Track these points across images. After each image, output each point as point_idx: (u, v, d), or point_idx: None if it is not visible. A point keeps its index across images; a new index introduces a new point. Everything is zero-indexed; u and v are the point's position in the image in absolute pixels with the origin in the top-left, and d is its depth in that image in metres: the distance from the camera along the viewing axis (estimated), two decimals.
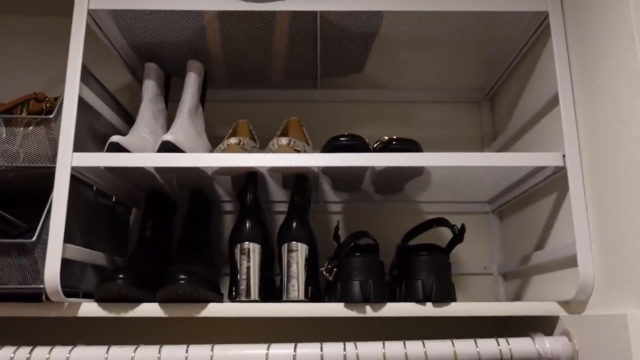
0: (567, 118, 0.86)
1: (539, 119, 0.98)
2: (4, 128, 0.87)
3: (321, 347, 0.77)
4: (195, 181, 1.00)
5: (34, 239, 0.80)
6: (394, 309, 0.84)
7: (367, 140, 0.92)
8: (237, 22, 0.97)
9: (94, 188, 0.97)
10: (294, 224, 0.90)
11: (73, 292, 0.87)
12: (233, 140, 0.90)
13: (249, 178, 0.94)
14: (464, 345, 0.78)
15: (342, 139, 0.89)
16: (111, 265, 1.01)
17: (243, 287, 0.87)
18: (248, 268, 0.88)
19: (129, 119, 1.11)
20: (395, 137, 0.91)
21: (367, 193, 1.13)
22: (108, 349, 0.76)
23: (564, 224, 0.89)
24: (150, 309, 0.83)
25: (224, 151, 0.90)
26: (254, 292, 0.87)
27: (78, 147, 0.86)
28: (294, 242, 0.89)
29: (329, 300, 0.91)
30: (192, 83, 1.00)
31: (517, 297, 1.09)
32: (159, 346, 0.77)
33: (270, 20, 0.97)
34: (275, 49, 1.07)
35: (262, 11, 0.93)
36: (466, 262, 1.19)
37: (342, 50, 1.08)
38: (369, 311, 0.84)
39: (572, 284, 0.85)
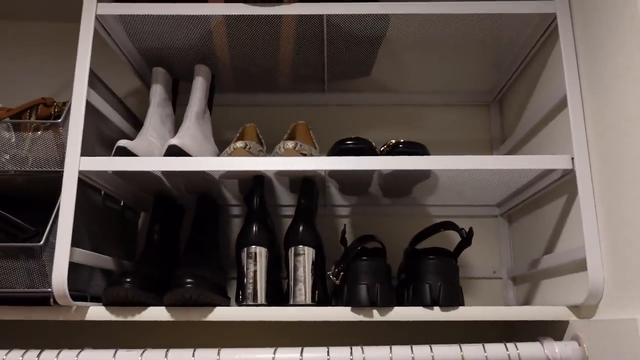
0: (575, 120, 0.85)
1: (548, 121, 0.97)
2: (13, 133, 0.88)
3: (328, 352, 0.77)
4: (202, 185, 1.00)
5: (41, 242, 0.80)
6: (401, 313, 0.84)
7: (374, 143, 0.92)
8: (244, 27, 0.98)
9: (102, 192, 0.97)
10: (301, 228, 0.90)
11: (81, 296, 0.87)
12: (239, 144, 0.90)
13: (256, 182, 0.93)
14: (472, 350, 0.77)
15: (349, 142, 0.89)
16: (119, 269, 1.01)
17: (250, 290, 0.87)
18: (255, 272, 0.88)
19: (137, 124, 1.12)
20: (402, 140, 0.91)
21: (375, 196, 1.12)
22: (115, 352, 0.76)
23: (574, 227, 0.88)
24: (157, 313, 0.83)
25: (230, 155, 0.90)
26: (261, 296, 0.87)
27: (86, 151, 0.86)
28: (300, 246, 0.89)
29: (336, 304, 0.91)
30: (199, 87, 1.01)
31: (526, 301, 1.08)
32: (165, 350, 0.77)
33: (277, 24, 0.97)
34: (282, 53, 1.07)
35: (268, 15, 0.93)
36: (475, 265, 1.18)
37: (349, 53, 1.08)
38: (376, 315, 0.83)
39: (582, 288, 0.84)
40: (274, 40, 1.02)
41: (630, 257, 0.73)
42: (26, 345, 0.79)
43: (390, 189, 1.05)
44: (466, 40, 1.03)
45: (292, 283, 0.88)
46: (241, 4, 0.93)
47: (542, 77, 1.00)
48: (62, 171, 0.84)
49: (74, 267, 0.82)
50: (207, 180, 0.96)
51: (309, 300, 0.87)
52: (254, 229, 0.89)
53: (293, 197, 1.10)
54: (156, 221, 1.01)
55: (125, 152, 0.86)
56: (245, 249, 0.89)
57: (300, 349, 0.77)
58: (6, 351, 0.76)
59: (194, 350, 0.77)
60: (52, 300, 0.81)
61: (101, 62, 0.97)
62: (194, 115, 0.98)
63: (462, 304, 0.85)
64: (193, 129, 0.96)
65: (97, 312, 0.83)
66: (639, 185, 0.71)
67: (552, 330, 0.88)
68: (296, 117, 1.23)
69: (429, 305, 0.84)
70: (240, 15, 0.93)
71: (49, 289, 0.80)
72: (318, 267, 0.91)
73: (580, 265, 0.84)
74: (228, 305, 0.88)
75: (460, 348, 0.77)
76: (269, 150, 1.12)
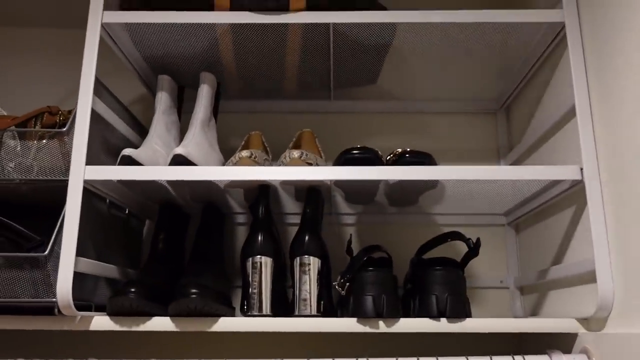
0: (584, 131, 0.84)
1: (556, 130, 0.96)
2: (18, 141, 0.88)
3: None
4: (207, 194, 1.00)
5: (46, 252, 0.80)
6: (407, 325, 0.83)
7: (380, 152, 0.91)
8: (250, 35, 0.97)
9: (107, 200, 0.97)
10: (306, 238, 0.89)
11: (85, 305, 0.87)
12: (245, 153, 0.89)
13: (261, 191, 0.93)
14: None
15: (355, 151, 0.88)
16: (124, 278, 1.01)
17: (255, 301, 0.87)
18: (260, 282, 0.87)
19: (142, 131, 1.11)
20: (408, 149, 0.90)
21: (381, 205, 1.11)
22: None
23: (583, 239, 0.87)
24: (161, 323, 0.83)
25: (235, 164, 0.89)
26: (266, 306, 0.86)
27: (91, 159, 0.86)
28: (306, 256, 0.88)
29: (342, 315, 0.90)
30: (204, 95, 1.00)
31: (534, 311, 1.07)
32: None
33: (283, 33, 0.97)
34: (288, 61, 1.07)
35: (274, 24, 0.93)
36: (482, 275, 1.17)
37: (355, 61, 1.07)
38: (382, 326, 0.83)
39: (591, 300, 0.83)
40: (280, 48, 1.02)
41: None
42: (30, 355, 0.79)
43: (396, 198, 1.04)
44: (473, 48, 1.02)
45: (297, 293, 0.87)
46: (247, 12, 0.92)
47: (550, 85, 0.99)
48: (67, 180, 0.83)
49: (78, 276, 0.82)
50: (212, 189, 0.95)
51: (314, 311, 0.86)
52: (259, 238, 0.89)
53: (299, 205, 1.09)
54: (161, 230, 1.00)
55: (130, 161, 0.85)
56: (250, 258, 0.88)
57: None
58: None
59: None
60: (56, 310, 0.80)
61: (107, 69, 0.97)
62: (200, 123, 0.98)
63: (469, 316, 0.84)
64: (198, 137, 0.95)
65: (101, 322, 0.83)
66: None
67: (561, 342, 0.86)
68: (302, 125, 1.22)
69: (436, 316, 0.83)
70: (246, 23, 0.93)
71: (54, 299, 0.80)
72: (324, 277, 0.90)
73: (589, 277, 0.83)
74: (233, 315, 0.88)
75: None
76: (274, 158, 1.12)
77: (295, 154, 0.89)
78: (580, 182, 0.84)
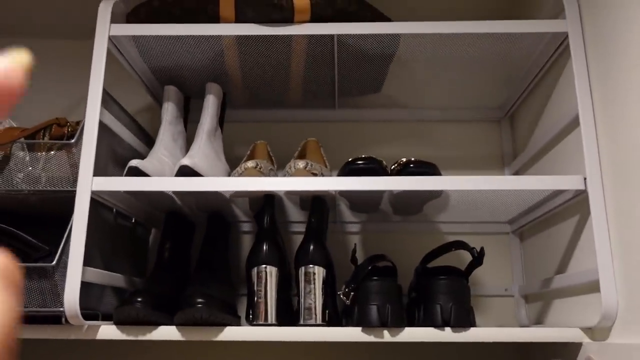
0: (588, 141, 0.84)
1: (560, 139, 0.96)
2: (27, 152, 0.89)
3: None
4: (213, 203, 1.00)
5: (54, 262, 0.81)
6: (412, 334, 0.83)
7: (384, 162, 0.92)
8: (255, 46, 0.98)
9: (114, 210, 0.98)
10: (311, 247, 0.90)
11: (92, 314, 0.88)
12: (250, 163, 0.90)
13: (266, 200, 0.94)
14: None
15: (359, 162, 0.89)
16: (130, 287, 1.02)
17: (260, 310, 0.87)
18: (265, 291, 0.88)
19: (149, 141, 1.12)
20: (412, 159, 0.90)
21: (385, 214, 1.12)
22: None
23: (586, 248, 0.87)
24: (167, 332, 0.84)
25: (241, 175, 0.90)
26: (271, 316, 0.87)
27: (98, 170, 0.87)
28: (310, 265, 0.89)
29: (347, 324, 0.90)
30: (210, 105, 1.01)
31: (539, 320, 1.07)
32: None
33: (288, 44, 0.98)
34: (293, 71, 1.08)
35: (279, 35, 0.94)
36: (487, 283, 1.17)
37: (359, 71, 1.08)
38: (387, 336, 0.83)
39: (595, 309, 0.83)
40: (285, 58, 1.03)
41: None
42: None
43: (400, 207, 1.05)
44: (477, 57, 1.03)
45: (302, 302, 0.88)
46: (252, 25, 0.93)
47: (554, 94, 1.00)
48: (75, 191, 0.84)
49: (85, 285, 0.83)
50: (218, 198, 0.96)
51: (319, 320, 0.87)
52: (264, 248, 0.89)
53: (304, 214, 1.10)
54: (167, 238, 1.01)
55: (137, 172, 0.86)
56: (256, 268, 0.89)
57: None
58: None
59: None
60: (64, 319, 0.81)
61: (114, 79, 0.98)
62: (206, 133, 0.99)
63: (473, 325, 0.85)
64: (204, 147, 0.96)
65: (108, 331, 0.84)
66: None
67: (565, 351, 0.87)
68: (307, 134, 1.23)
69: (440, 326, 0.84)
70: (252, 35, 0.94)
71: (61, 309, 0.81)
72: (328, 286, 0.91)
73: (593, 287, 0.83)
74: (238, 324, 0.88)
75: None
76: (279, 167, 1.12)
77: (300, 164, 0.89)
78: (584, 192, 0.84)
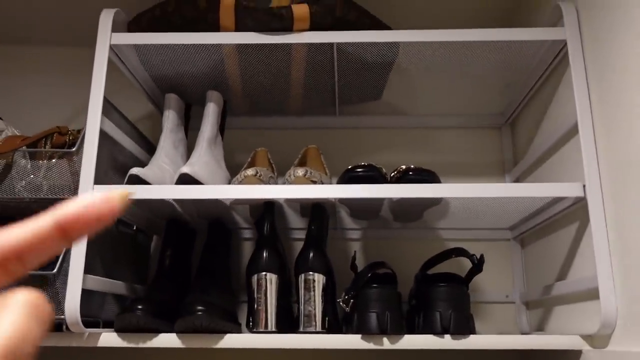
0: (587, 148, 0.84)
1: (560, 146, 0.96)
2: (29, 161, 0.90)
3: None
4: (214, 210, 1.01)
5: (55, 270, 0.82)
6: (411, 341, 0.83)
7: (384, 169, 0.92)
8: (255, 54, 0.99)
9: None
10: (311, 254, 0.90)
11: (93, 322, 0.88)
12: (250, 171, 0.91)
13: (266, 208, 0.94)
14: None
15: (358, 169, 0.89)
16: (131, 294, 1.02)
17: (260, 317, 0.87)
18: (265, 298, 0.88)
19: (150, 148, 1.13)
20: (412, 166, 0.91)
21: (386, 220, 1.12)
22: None
23: (586, 255, 0.87)
24: (168, 340, 0.84)
25: (240, 182, 0.90)
26: (271, 323, 0.87)
27: (99, 178, 0.87)
28: (310, 273, 0.89)
29: (347, 331, 0.90)
30: (211, 113, 1.02)
31: (540, 327, 1.07)
32: None
33: (288, 52, 0.98)
34: (293, 79, 1.08)
35: (279, 44, 0.94)
36: (488, 290, 1.17)
37: (359, 78, 1.09)
38: (386, 343, 0.83)
39: (596, 316, 0.83)
40: (285, 66, 1.03)
41: None
42: None
43: (400, 213, 1.05)
44: (477, 64, 1.03)
45: (302, 309, 0.88)
46: (252, 33, 0.94)
47: (554, 101, 1.00)
48: None
49: (86, 293, 0.83)
50: (218, 206, 0.97)
51: (319, 327, 0.87)
52: (264, 255, 0.90)
53: (304, 220, 1.10)
54: (168, 246, 1.02)
55: (137, 180, 0.87)
56: (256, 275, 0.89)
57: None
58: None
59: None
60: (64, 326, 0.82)
61: (115, 87, 0.98)
62: (206, 141, 0.99)
63: (473, 332, 0.85)
64: (205, 155, 0.97)
65: (109, 339, 0.84)
66: None
67: (566, 358, 0.86)
68: (308, 141, 1.23)
69: (440, 333, 0.84)
70: (251, 44, 0.94)
71: (62, 316, 0.81)
72: (328, 293, 0.91)
73: (592, 294, 0.83)
74: (239, 331, 0.89)
75: None
76: (280, 174, 1.13)
77: (300, 172, 0.90)
78: (583, 199, 0.84)
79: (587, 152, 0.84)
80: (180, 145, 1.05)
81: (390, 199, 0.93)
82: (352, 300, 0.87)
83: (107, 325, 0.92)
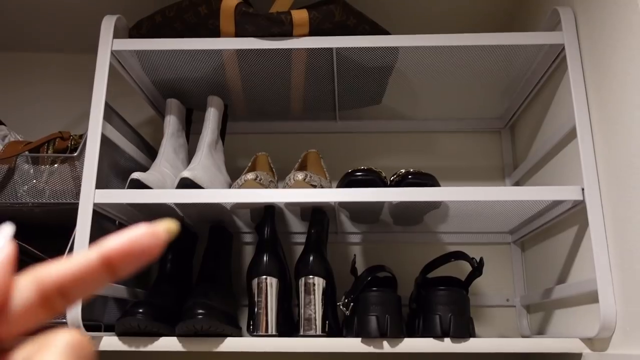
0: (585, 152, 0.85)
1: (559, 150, 0.97)
2: (31, 166, 0.90)
3: None
4: (215, 214, 1.01)
5: None
6: (411, 345, 0.84)
7: (383, 173, 0.92)
8: (255, 59, 1.00)
9: (117, 222, 0.99)
10: (311, 258, 0.90)
11: (95, 325, 0.89)
12: (250, 175, 0.91)
13: (267, 212, 0.95)
14: None
15: (358, 173, 0.90)
16: (132, 298, 1.02)
17: (260, 321, 0.88)
18: (265, 302, 0.88)
19: (151, 152, 1.14)
20: (411, 170, 0.91)
21: (386, 224, 1.12)
22: None
23: (586, 258, 0.88)
24: (169, 343, 0.84)
25: (241, 187, 0.91)
26: (272, 327, 0.88)
27: (101, 182, 0.88)
28: (310, 276, 0.89)
29: (347, 335, 0.91)
30: (212, 118, 1.03)
31: (540, 330, 1.07)
32: None
33: (288, 57, 0.99)
34: (293, 83, 1.09)
35: (279, 49, 0.95)
36: (488, 293, 1.17)
37: (359, 83, 1.09)
38: (386, 347, 0.83)
39: (596, 319, 0.83)
40: (285, 71, 1.04)
41: None
42: None
43: (401, 217, 1.05)
44: (476, 68, 1.04)
45: (302, 313, 0.89)
46: (252, 38, 0.95)
47: (553, 105, 1.00)
48: (78, 203, 0.86)
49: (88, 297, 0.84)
50: (219, 210, 0.97)
51: (319, 331, 0.87)
52: (265, 259, 0.90)
53: (304, 224, 1.10)
54: (169, 250, 1.02)
55: (139, 185, 0.88)
56: (256, 279, 0.89)
57: None
58: None
59: None
60: None
61: (116, 92, 0.99)
62: (207, 145, 1.00)
63: (473, 336, 0.85)
64: (205, 160, 0.97)
65: (110, 342, 0.85)
66: None
67: None
68: (308, 145, 1.24)
69: (439, 336, 0.84)
70: (252, 49, 0.95)
71: (64, 320, 0.82)
72: (328, 297, 0.91)
73: (592, 297, 0.83)
74: (239, 335, 0.89)
75: None
76: (280, 179, 1.13)
77: (300, 176, 0.90)
78: (582, 203, 0.84)
79: (586, 156, 0.85)
80: (181, 151, 1.05)
81: (390, 203, 0.93)
82: (352, 304, 0.88)
83: (109, 328, 0.92)
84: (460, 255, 0.94)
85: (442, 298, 0.86)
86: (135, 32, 0.99)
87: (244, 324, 1.07)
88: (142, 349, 0.84)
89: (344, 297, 0.90)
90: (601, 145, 0.84)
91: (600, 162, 0.84)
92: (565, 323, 0.96)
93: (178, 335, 0.84)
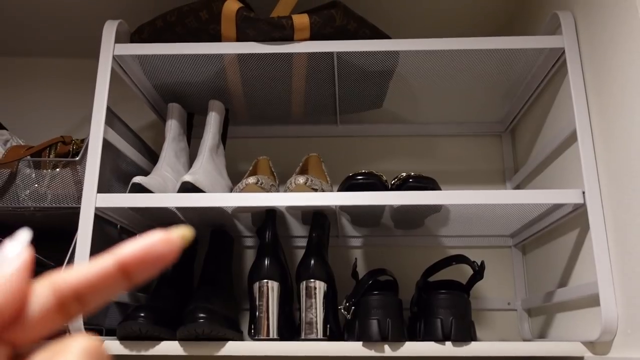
0: (586, 155, 0.85)
1: (559, 153, 0.97)
2: (33, 170, 0.91)
3: None
4: (216, 218, 1.02)
5: None
6: (412, 349, 0.83)
7: (384, 177, 0.93)
8: (256, 63, 1.00)
9: (118, 226, 0.99)
10: (312, 262, 0.90)
11: (96, 330, 0.89)
12: (251, 179, 0.91)
13: (268, 215, 0.95)
14: None
15: (359, 177, 0.90)
16: (134, 302, 1.02)
17: (262, 324, 0.88)
18: (266, 306, 0.88)
19: (153, 157, 1.14)
20: (412, 174, 0.91)
21: (387, 227, 1.12)
22: None
23: (587, 261, 0.88)
24: (170, 347, 0.84)
25: (242, 191, 0.91)
26: (273, 330, 0.88)
27: (102, 186, 0.88)
28: (311, 280, 0.90)
29: (348, 338, 0.91)
30: (213, 122, 1.03)
31: (542, 334, 1.07)
32: None
33: (288, 61, 0.99)
34: (294, 87, 1.09)
35: (280, 53, 0.95)
36: (490, 297, 1.17)
37: (360, 87, 1.10)
38: (388, 350, 0.83)
39: (597, 323, 0.83)
40: (285, 75, 1.04)
41: None
42: None
43: (402, 221, 1.06)
44: (477, 72, 1.04)
45: (303, 317, 0.89)
46: (253, 43, 0.95)
47: (553, 108, 1.01)
48: (79, 208, 0.86)
49: None
50: (220, 214, 0.98)
51: (320, 335, 0.87)
52: (266, 263, 0.90)
53: (305, 228, 1.11)
54: None
55: (140, 189, 0.88)
56: (257, 283, 0.90)
57: None
58: None
59: None
60: (67, 334, 0.82)
61: (118, 97, 1.00)
62: (208, 150, 1.00)
63: (474, 339, 0.85)
64: (207, 164, 0.98)
65: (111, 347, 0.85)
66: None
67: None
68: (309, 149, 1.24)
69: (441, 340, 0.84)
70: (253, 53, 0.95)
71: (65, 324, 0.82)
72: (330, 301, 0.91)
73: (593, 300, 0.83)
74: (240, 339, 0.89)
75: None
76: (281, 182, 1.14)
77: (301, 179, 0.90)
78: (583, 206, 0.84)
79: (586, 159, 0.85)
80: (182, 155, 1.05)
81: (391, 207, 0.93)
82: (353, 308, 0.88)
83: (110, 333, 0.92)
84: (461, 259, 0.94)
85: (443, 302, 0.86)
86: (137, 37, 0.99)
87: (245, 328, 1.07)
88: (143, 353, 0.84)
89: (345, 301, 0.90)
90: (601, 148, 0.84)
91: (600, 165, 0.84)
92: (567, 326, 0.96)
93: (179, 340, 0.84)
